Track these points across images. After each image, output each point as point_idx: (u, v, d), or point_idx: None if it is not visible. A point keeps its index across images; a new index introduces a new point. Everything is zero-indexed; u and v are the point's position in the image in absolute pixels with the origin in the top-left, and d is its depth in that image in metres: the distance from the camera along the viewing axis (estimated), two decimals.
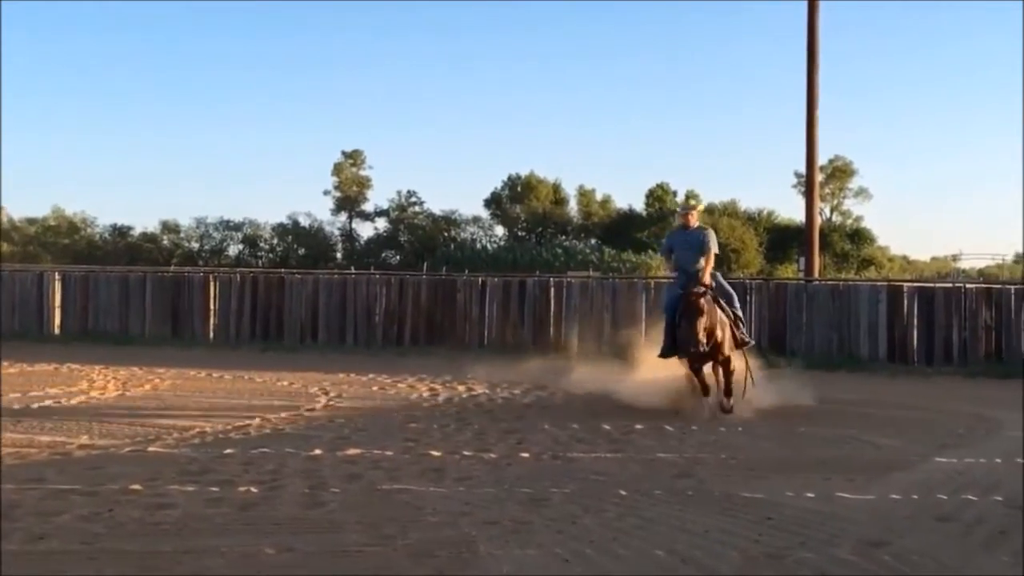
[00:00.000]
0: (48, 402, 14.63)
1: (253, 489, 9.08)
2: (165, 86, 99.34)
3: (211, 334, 25.64)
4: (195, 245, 73.77)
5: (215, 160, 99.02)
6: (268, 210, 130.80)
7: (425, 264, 50.62)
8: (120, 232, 74.72)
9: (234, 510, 8.34)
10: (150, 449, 11.10)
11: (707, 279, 14.16)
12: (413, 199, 74.37)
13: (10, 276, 28.30)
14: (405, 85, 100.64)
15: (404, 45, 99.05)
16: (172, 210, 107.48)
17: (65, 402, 14.72)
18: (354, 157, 74.79)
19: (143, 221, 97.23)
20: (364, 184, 74.97)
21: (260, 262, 68.66)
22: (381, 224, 74.74)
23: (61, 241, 74.98)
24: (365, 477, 9.69)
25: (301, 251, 70.90)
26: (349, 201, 74.33)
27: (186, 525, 7.81)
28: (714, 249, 14.48)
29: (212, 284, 26.17)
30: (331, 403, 15.20)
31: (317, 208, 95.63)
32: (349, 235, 74.99)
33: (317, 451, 11.03)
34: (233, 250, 73.82)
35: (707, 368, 14.23)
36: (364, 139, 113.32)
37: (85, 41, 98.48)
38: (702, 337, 13.34)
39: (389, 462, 10.47)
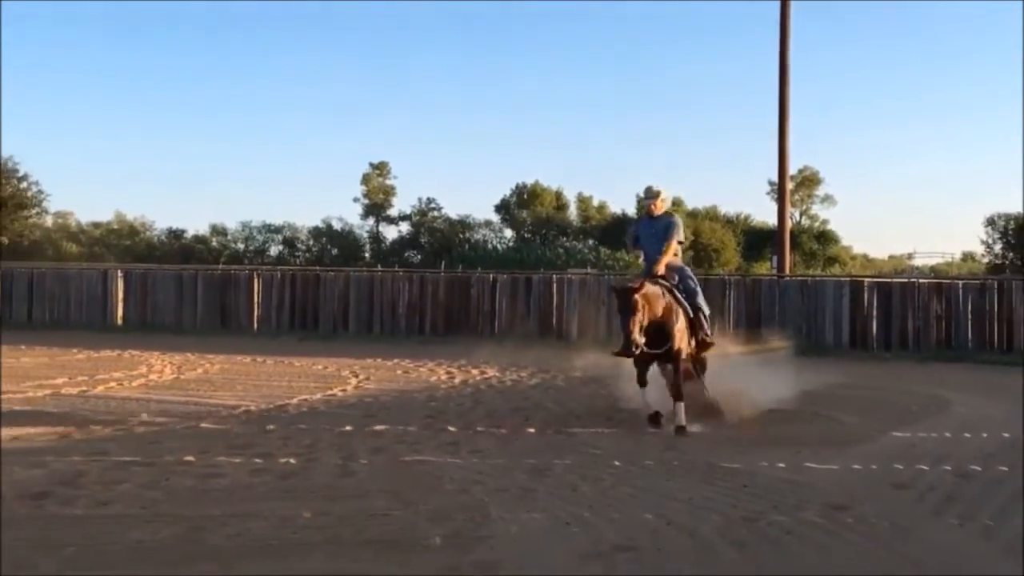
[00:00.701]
0: (112, 384, 14.65)
1: (292, 460, 9.08)
2: (215, 103, 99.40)
3: (255, 325, 25.66)
4: (241, 246, 73.79)
5: (259, 170, 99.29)
6: (305, 215, 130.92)
7: (443, 263, 50.61)
8: (175, 234, 74.76)
9: (275, 479, 8.34)
10: (202, 425, 11.10)
11: (662, 268, 11.72)
12: (432, 205, 74.46)
13: (78, 274, 28.35)
14: (426, 104, 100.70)
15: (425, 67, 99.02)
16: (220, 215, 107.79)
17: (127, 384, 14.74)
18: (380, 168, 74.94)
19: (195, 225, 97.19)
20: (389, 192, 75.08)
21: (298, 261, 68.70)
22: (404, 227, 74.88)
23: (123, 243, 74.99)
24: (390, 450, 9.69)
25: (334, 251, 70.95)
26: (376, 207, 74.45)
27: (233, 492, 7.82)
28: (678, 237, 12.05)
29: (256, 281, 26.19)
30: (360, 385, 15.18)
31: (348, 213, 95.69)
32: (376, 237, 75.02)
33: (348, 427, 11.03)
34: (274, 250, 73.86)
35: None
36: (390, 152, 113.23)
37: (141, 58, 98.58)
38: (636, 336, 10.75)
39: (411, 436, 10.47)
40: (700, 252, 69.93)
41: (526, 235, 72.03)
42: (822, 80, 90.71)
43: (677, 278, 11.87)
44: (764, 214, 73.84)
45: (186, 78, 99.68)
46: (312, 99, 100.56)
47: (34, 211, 52.34)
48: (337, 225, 73.94)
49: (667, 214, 12.26)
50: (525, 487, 8.05)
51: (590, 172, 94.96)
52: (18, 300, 27.20)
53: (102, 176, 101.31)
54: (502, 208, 73.71)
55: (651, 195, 12.25)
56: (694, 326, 11.80)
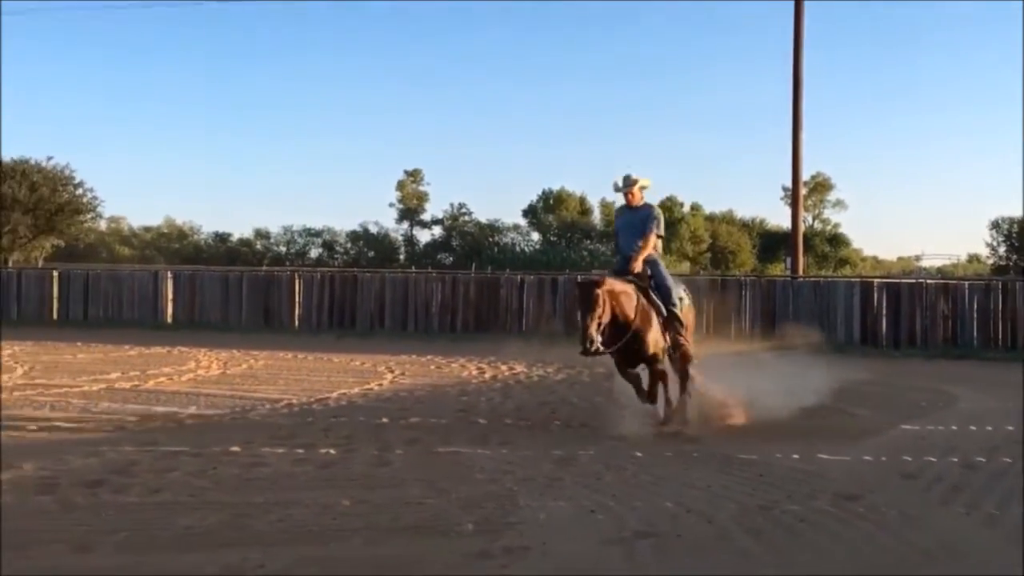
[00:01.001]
0: (162, 379, 14.73)
1: (331, 451, 9.11)
2: (259, 113, 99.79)
3: (296, 323, 25.71)
4: (283, 249, 74.08)
5: (300, 176, 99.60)
6: (343, 219, 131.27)
7: (473, 264, 50.62)
8: (221, 238, 75.16)
9: (315, 468, 8.36)
10: (246, 417, 11.15)
11: (638, 266, 10.52)
12: (463, 210, 74.55)
13: (131, 275, 28.52)
14: (457, 113, 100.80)
15: (456, 79, 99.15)
16: (264, 219, 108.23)
17: (176, 379, 14.81)
18: (414, 175, 75.10)
19: (240, 228, 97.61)
20: (422, 198, 75.22)
21: (336, 263, 68.89)
22: (437, 231, 75.02)
23: (172, 245, 75.46)
24: (424, 441, 9.70)
25: (370, 253, 71.12)
26: (410, 212, 74.61)
27: (276, 481, 7.85)
28: (656, 230, 10.75)
29: (297, 282, 26.27)
30: (395, 380, 15.22)
31: (384, 218, 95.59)
32: (410, 240, 75.18)
33: (384, 419, 11.06)
34: (314, 253, 74.13)
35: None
36: (423, 159, 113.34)
37: (187, 68, 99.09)
38: (592, 333, 9.63)
39: (444, 429, 10.48)
40: (717, 254, 69.81)
41: (552, 238, 72.00)
42: (833, 85, 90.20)
43: (651, 276, 10.67)
44: (778, 218, 73.60)
45: (230, 88, 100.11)
46: (349, 109, 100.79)
47: (89, 216, 52.51)
48: (373, 229, 74.15)
49: (646, 205, 10.98)
50: (552, 476, 8.04)
51: (612, 178, 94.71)
52: (75, 300, 27.35)
53: (153, 183, 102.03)
54: (529, 213, 73.70)
55: (628, 183, 10.89)
56: (667, 327, 10.59)
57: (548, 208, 73.06)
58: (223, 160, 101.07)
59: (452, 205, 74.86)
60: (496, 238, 72.90)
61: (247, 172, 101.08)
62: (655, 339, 10.37)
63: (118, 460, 8.53)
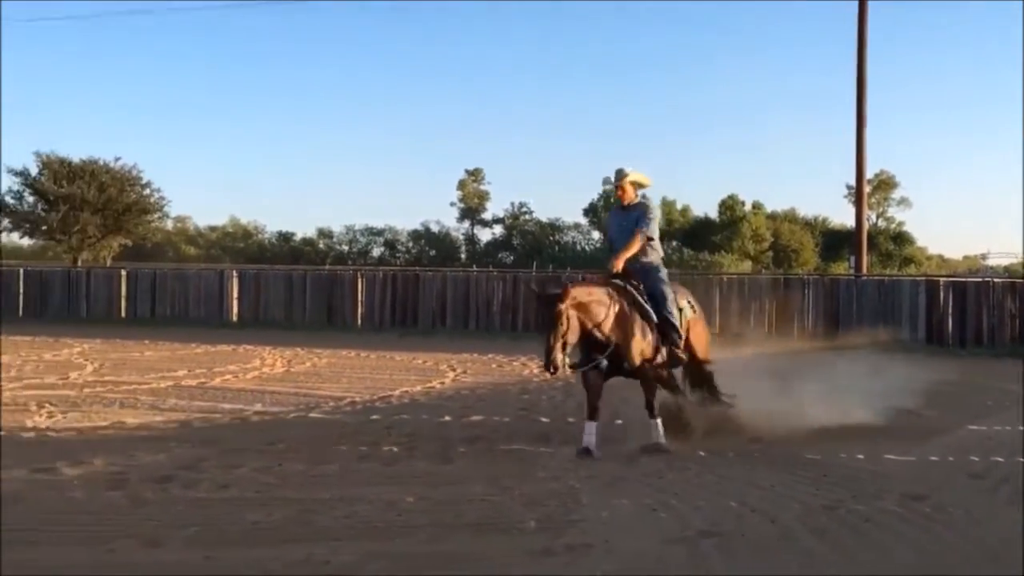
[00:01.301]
0: (228, 376, 14.90)
1: (395, 448, 9.17)
2: (321, 115, 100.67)
3: (359, 321, 25.87)
4: (345, 248, 74.71)
5: (362, 176, 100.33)
6: (405, 218, 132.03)
7: (535, 263, 50.67)
8: (284, 237, 75.95)
9: (379, 465, 8.43)
10: (311, 415, 11.26)
11: (618, 265, 9.43)
12: (524, 209, 74.82)
13: (197, 274, 28.87)
14: (519, 113, 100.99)
15: (519, 78, 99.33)
16: (327, 219, 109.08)
17: (242, 376, 14.98)
18: (475, 174, 75.45)
19: (303, 228, 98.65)
20: (483, 197, 75.56)
21: (398, 262, 69.33)
22: (497, 230, 75.30)
23: (237, 245, 76.33)
24: (486, 439, 9.73)
25: (432, 252, 71.49)
26: (471, 211, 74.97)
27: (340, 477, 7.92)
28: (647, 230, 9.60)
29: (359, 281, 26.42)
30: (457, 378, 15.27)
31: (445, 216, 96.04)
32: (471, 239, 75.50)
33: (447, 417, 11.11)
34: (376, 252, 74.70)
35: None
36: (484, 159, 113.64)
37: (253, 72, 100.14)
38: (556, 355, 8.56)
39: (506, 427, 10.51)
40: (779, 253, 69.24)
41: None
42: (898, 84, 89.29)
43: (644, 280, 9.60)
44: (842, 216, 72.99)
45: (295, 89, 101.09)
46: (412, 108, 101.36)
47: (156, 216, 53.26)
48: (435, 228, 74.64)
49: (640, 203, 9.80)
50: (614, 475, 8.03)
51: (674, 176, 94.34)
52: (142, 298, 27.72)
53: (218, 183, 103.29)
54: (590, 211, 73.67)
55: (619, 176, 9.74)
56: (662, 336, 9.49)
57: (609, 207, 72.94)
58: (287, 160, 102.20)
59: (513, 204, 75.19)
60: (557, 237, 73.00)
61: (310, 172, 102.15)
62: (640, 348, 9.24)
63: (186, 456, 8.66)
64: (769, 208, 72.62)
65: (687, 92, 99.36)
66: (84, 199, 48.05)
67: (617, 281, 9.43)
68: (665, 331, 9.51)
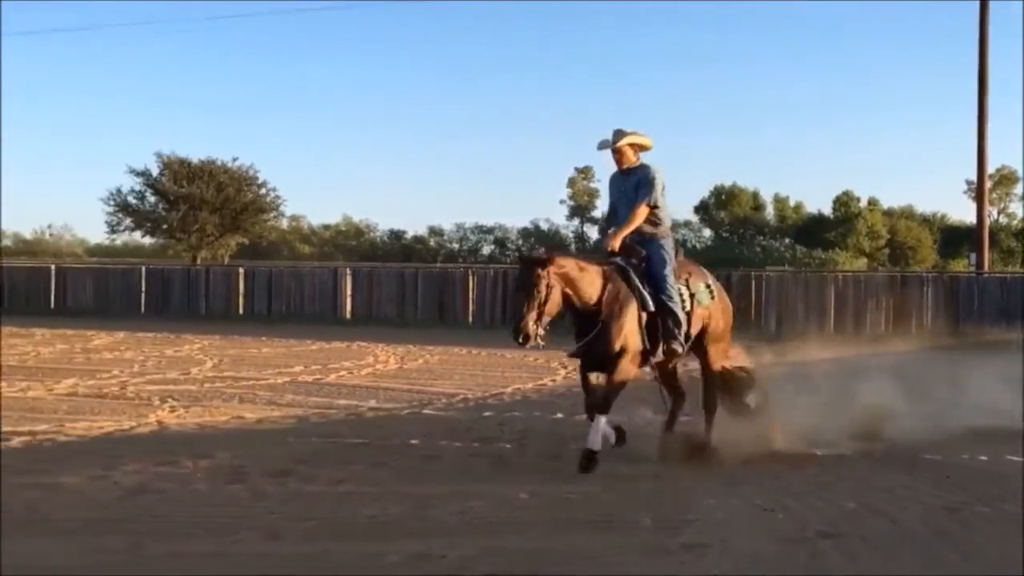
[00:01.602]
0: (342, 372, 15.11)
1: (507, 445, 9.20)
2: (433, 117, 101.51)
3: (470, 319, 26.02)
4: (455, 246, 75.30)
5: (472, 175, 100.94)
6: (514, 216, 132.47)
7: None
8: (396, 235, 76.76)
9: (492, 461, 8.47)
10: (424, 411, 11.35)
11: (616, 243, 8.39)
12: None
13: (311, 272, 29.36)
14: (629, 109, 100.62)
15: (631, 75, 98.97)
16: (437, 217, 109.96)
17: (356, 372, 15.17)
18: (585, 172, 75.37)
19: (414, 226, 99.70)
20: (593, 194, 75.40)
21: (508, 259, 69.54)
22: None
23: (349, 243, 77.44)
24: None
25: (541, 250, 71.57)
26: (581, 209, 74.90)
27: (454, 473, 7.97)
28: (648, 199, 8.41)
29: (471, 278, 26.58)
30: (568, 375, 15.23)
31: (554, 215, 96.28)
32: (580, 237, 75.43)
33: (559, 414, 11.11)
34: (486, 249, 75.06)
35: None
36: (594, 156, 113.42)
37: (366, 75, 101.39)
38: (528, 323, 7.64)
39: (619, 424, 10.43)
40: (896, 250, 67.82)
41: (724, 234, 71.24)
42: (1018, 78, 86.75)
43: (643, 255, 8.45)
44: (961, 212, 71.34)
45: (408, 92, 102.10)
46: (522, 107, 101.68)
47: (272, 215, 54.34)
48: (544, 226, 74.73)
49: (641, 166, 8.63)
50: (731, 474, 7.93)
51: (787, 172, 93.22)
52: (259, 296, 28.26)
53: (331, 182, 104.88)
54: (701, 208, 73.09)
55: (617, 137, 8.56)
56: (658, 327, 8.29)
57: (720, 204, 72.33)
58: (398, 159, 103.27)
59: None
60: None
61: (422, 171, 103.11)
62: (625, 336, 8.10)
63: (303, 451, 8.81)
64: (885, 204, 71.29)
65: (802, 87, 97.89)
66: (203, 198, 49.28)
67: (617, 260, 8.36)
68: (662, 319, 8.29)
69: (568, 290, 7.93)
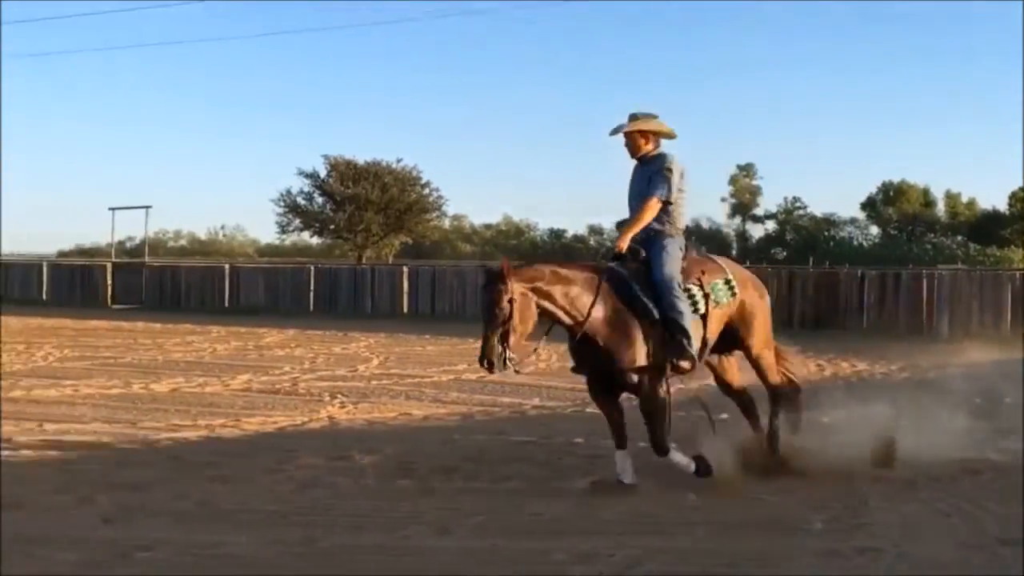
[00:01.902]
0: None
1: (675, 445, 9.10)
2: (590, 112, 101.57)
3: None
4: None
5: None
6: None
7: (810, 259, 49.49)
8: (556, 234, 76.97)
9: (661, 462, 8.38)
10: (587, 410, 11.32)
11: (623, 244, 7.49)
12: (798, 204, 73.06)
13: (474, 271, 29.66)
14: (791, 107, 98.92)
15: (788, 71, 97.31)
16: (598, 215, 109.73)
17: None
18: (747, 169, 74.31)
19: (574, 225, 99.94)
20: (755, 192, 74.29)
21: None
22: (770, 225, 73.89)
23: (510, 242, 77.96)
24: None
25: (703, 248, 70.92)
26: (743, 206, 73.88)
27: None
28: (662, 192, 7.56)
29: None
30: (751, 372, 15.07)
31: (715, 212, 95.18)
32: (742, 235, 74.41)
33: (725, 415, 10.93)
34: None
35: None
36: (756, 153, 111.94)
37: (521, 74, 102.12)
38: (492, 351, 6.93)
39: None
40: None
41: (892, 232, 69.35)
42: None
43: (643, 258, 7.50)
44: None
45: (566, 90, 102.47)
46: (683, 103, 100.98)
47: (435, 215, 55.24)
48: (705, 224, 73.91)
49: (659, 155, 7.74)
50: (905, 478, 7.67)
51: (959, 168, 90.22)
52: (423, 294, 28.66)
53: (492, 183, 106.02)
54: (868, 205, 71.26)
55: (633, 119, 7.71)
56: (665, 338, 7.30)
57: (888, 200, 70.38)
58: (557, 158, 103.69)
59: (786, 199, 73.59)
60: (832, 232, 70.98)
61: (581, 169, 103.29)
62: (631, 352, 7.23)
63: (469, 447, 8.93)
64: None
65: (974, 77, 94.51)
66: (368, 199, 50.36)
67: (613, 266, 7.46)
68: (670, 333, 7.31)
69: (546, 304, 7.15)
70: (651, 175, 7.60)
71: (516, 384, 13.45)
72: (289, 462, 8.22)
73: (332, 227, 52.87)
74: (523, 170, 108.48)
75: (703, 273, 7.72)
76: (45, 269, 35.29)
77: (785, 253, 68.20)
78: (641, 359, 7.23)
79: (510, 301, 6.94)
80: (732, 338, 8.07)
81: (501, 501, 7.03)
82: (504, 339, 6.95)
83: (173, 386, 13.04)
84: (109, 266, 34.15)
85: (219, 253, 76.56)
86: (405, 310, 28.62)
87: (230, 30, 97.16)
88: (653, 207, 7.54)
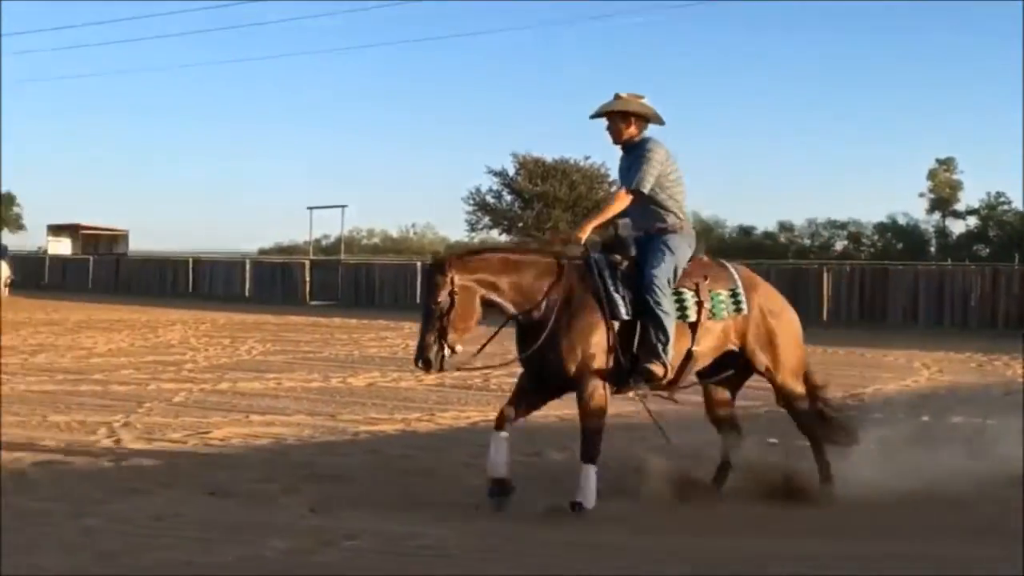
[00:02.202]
0: None
1: (869, 447, 8.87)
2: (779, 108, 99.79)
3: (824, 316, 25.37)
4: (806, 241, 73.63)
5: (823, 168, 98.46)
6: (869, 211, 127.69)
7: (1016, 256, 47.48)
8: (745, 231, 75.92)
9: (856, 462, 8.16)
10: (781, 410, 11.14)
11: (583, 235, 6.84)
12: (1002, 199, 70.21)
13: None
14: (997, 99, 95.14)
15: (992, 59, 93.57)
16: (788, 212, 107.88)
17: None
18: (947, 164, 71.80)
19: (764, 222, 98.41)
20: (956, 187, 71.72)
21: (862, 255, 67.31)
22: (971, 221, 71.21)
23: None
24: (970, 442, 9.07)
25: (899, 246, 68.93)
26: (942, 202, 71.38)
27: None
28: (634, 182, 6.89)
29: (825, 275, 25.96)
30: (932, 376, 14.64)
31: (912, 208, 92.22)
32: (942, 231, 71.95)
33: (924, 417, 10.61)
34: (839, 245, 73.00)
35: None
36: (957, 147, 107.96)
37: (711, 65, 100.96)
38: (428, 343, 6.40)
39: (991, 430, 9.77)
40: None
41: None
42: None
43: (632, 256, 6.81)
44: None
45: (753, 88, 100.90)
46: (873, 93, 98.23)
47: None
48: (902, 220, 71.80)
49: (643, 140, 7.05)
50: None
51: None
52: None
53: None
54: None
55: (615, 102, 7.03)
56: (643, 339, 6.65)
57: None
58: (744, 154, 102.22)
59: (988, 194, 70.78)
60: None
61: (770, 165, 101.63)
62: (583, 350, 6.57)
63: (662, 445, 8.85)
64: None
65: None
66: (556, 196, 50.77)
67: (593, 256, 6.83)
68: (644, 334, 6.64)
69: (493, 296, 6.62)
70: (631, 163, 7.00)
71: None
72: (483, 456, 8.31)
73: (520, 225, 53.45)
74: (713, 165, 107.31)
75: (704, 279, 6.99)
76: (248, 266, 36.76)
77: (988, 250, 65.64)
78: (598, 359, 6.61)
79: (450, 294, 6.42)
80: (743, 362, 7.34)
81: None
82: (443, 336, 6.45)
83: (369, 380, 13.45)
84: (307, 263, 35.35)
85: (410, 251, 78.25)
86: None
87: (419, 32, 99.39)
88: (622, 199, 6.94)
